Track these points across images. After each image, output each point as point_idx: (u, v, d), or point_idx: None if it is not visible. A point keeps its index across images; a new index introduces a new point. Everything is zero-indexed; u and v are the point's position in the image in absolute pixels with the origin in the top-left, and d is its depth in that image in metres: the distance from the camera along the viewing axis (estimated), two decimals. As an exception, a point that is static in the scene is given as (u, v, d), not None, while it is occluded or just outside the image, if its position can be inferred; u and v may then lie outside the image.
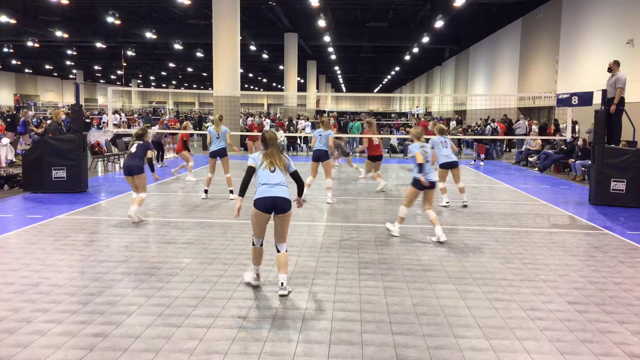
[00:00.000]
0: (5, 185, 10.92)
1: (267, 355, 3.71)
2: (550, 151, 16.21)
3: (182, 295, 4.85)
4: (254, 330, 4.12)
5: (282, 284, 4.86)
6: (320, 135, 9.94)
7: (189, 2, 24.52)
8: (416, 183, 7.00)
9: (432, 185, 7.04)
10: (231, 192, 10.12)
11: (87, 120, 32.18)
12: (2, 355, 3.63)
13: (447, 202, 9.71)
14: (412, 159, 7.16)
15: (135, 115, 41.84)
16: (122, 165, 8.22)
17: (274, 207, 4.86)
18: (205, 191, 10.15)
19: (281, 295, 4.83)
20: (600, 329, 4.25)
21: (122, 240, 6.77)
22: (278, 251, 5.00)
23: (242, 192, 4.95)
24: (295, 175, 5.10)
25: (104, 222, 7.94)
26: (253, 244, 5.05)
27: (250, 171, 4.98)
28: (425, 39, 31.24)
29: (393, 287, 5.17)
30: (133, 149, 8.00)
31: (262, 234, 5.01)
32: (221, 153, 10.16)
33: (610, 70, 10.58)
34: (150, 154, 8.13)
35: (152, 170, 8.13)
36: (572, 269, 5.86)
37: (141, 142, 8.07)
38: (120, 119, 34.82)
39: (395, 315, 4.45)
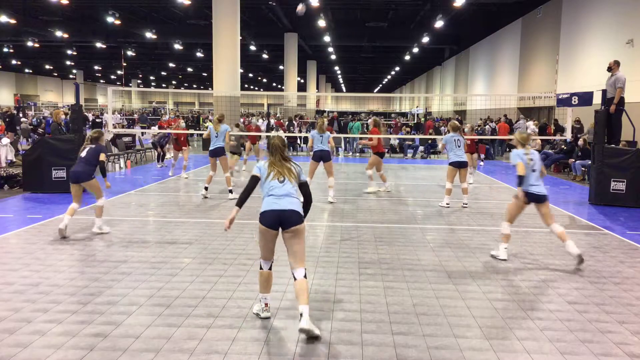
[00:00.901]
0: (5, 185, 10.92)
1: (267, 355, 3.71)
2: (550, 151, 16.21)
3: (182, 295, 4.85)
4: (254, 330, 4.12)
5: (301, 314, 3.96)
6: (321, 136, 9.94)
7: (189, 2, 24.52)
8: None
9: (541, 198, 6.07)
10: (230, 191, 10.11)
11: (98, 120, 32.15)
12: (2, 355, 3.63)
13: (447, 204, 9.67)
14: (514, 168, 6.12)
15: (136, 116, 41.82)
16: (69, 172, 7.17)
17: (281, 221, 4.15)
18: (206, 188, 10.16)
19: (302, 331, 3.92)
20: (600, 329, 4.25)
21: (123, 241, 6.77)
22: (295, 278, 4.15)
23: (241, 203, 4.26)
24: (304, 188, 4.39)
25: (104, 222, 7.93)
26: (260, 268, 4.39)
27: (254, 181, 4.34)
28: (425, 39, 31.24)
29: (393, 287, 5.17)
30: (83, 154, 7.09)
31: (270, 254, 4.33)
32: (219, 152, 10.15)
33: (610, 69, 10.58)
34: (103, 157, 7.16)
35: (104, 175, 7.16)
36: (572, 269, 5.86)
37: (93, 145, 7.16)
38: (120, 118, 34.82)
39: (395, 315, 4.45)
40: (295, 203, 4.22)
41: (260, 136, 15.43)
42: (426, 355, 3.75)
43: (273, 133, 16.63)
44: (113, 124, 29.35)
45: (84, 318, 4.28)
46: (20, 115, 29.13)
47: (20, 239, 6.81)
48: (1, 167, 13.05)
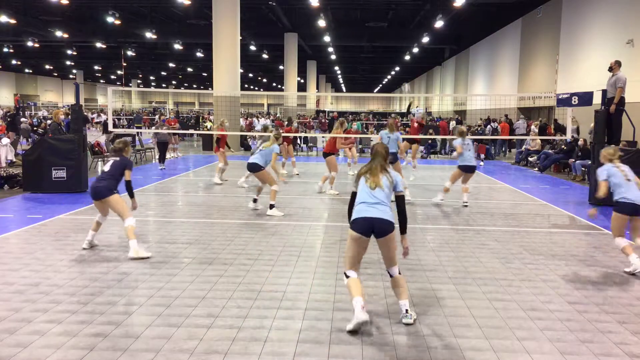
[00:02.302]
0: (5, 185, 10.92)
1: (267, 355, 3.71)
2: (550, 151, 16.21)
3: (182, 295, 4.85)
4: (254, 330, 4.12)
5: (406, 310, 4.24)
6: (388, 137, 10.08)
7: (189, 2, 24.52)
8: (620, 207, 5.87)
9: (637, 210, 5.82)
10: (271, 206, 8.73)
11: (97, 121, 32.09)
12: (2, 355, 3.63)
13: (441, 199, 9.90)
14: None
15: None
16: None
17: (373, 229, 4.19)
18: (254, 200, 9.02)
19: (406, 324, 4.22)
20: (600, 329, 4.25)
21: (122, 241, 6.77)
22: (391, 276, 4.37)
23: (350, 218, 4.36)
24: (399, 201, 4.37)
25: (103, 222, 7.92)
26: (347, 276, 4.27)
27: (353, 195, 4.46)
28: (425, 39, 31.23)
29: (393, 287, 5.16)
30: (107, 167, 6.36)
31: (357, 264, 4.33)
32: (254, 167, 8.72)
33: (611, 69, 10.57)
34: (129, 175, 6.34)
35: (131, 195, 6.40)
36: (572, 269, 5.86)
37: (118, 158, 6.41)
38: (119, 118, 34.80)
39: (395, 315, 4.45)
40: (386, 212, 4.24)
41: (294, 137, 15.79)
42: (426, 355, 3.75)
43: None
44: (103, 123, 29.42)
45: (84, 318, 4.28)
46: (21, 114, 29.12)
47: (20, 239, 6.81)
48: (1, 167, 13.05)
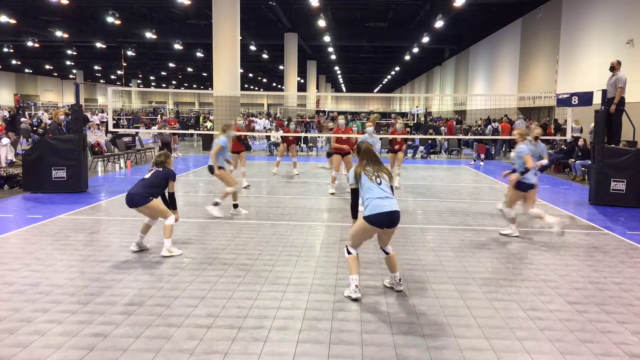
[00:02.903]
0: (5, 185, 10.92)
1: (267, 355, 3.71)
2: (550, 151, 16.20)
3: (182, 295, 4.85)
4: (254, 330, 4.12)
5: (400, 280, 5.00)
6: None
7: (189, 2, 24.52)
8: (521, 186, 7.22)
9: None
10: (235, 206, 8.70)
11: (103, 121, 32.07)
12: (2, 355, 3.63)
13: (512, 234, 7.62)
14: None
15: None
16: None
17: (390, 221, 4.68)
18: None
19: (398, 291, 4.97)
20: (600, 329, 4.25)
21: (122, 240, 6.77)
22: (387, 253, 4.94)
23: (355, 214, 4.99)
24: (354, 192, 4.97)
25: (104, 222, 7.94)
26: (349, 253, 4.82)
27: (356, 192, 4.91)
28: (425, 39, 31.23)
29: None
30: (147, 175, 6.23)
31: (359, 245, 4.91)
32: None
33: (613, 69, 10.56)
34: (173, 186, 6.22)
35: (174, 207, 6.23)
36: (572, 269, 5.87)
37: (160, 169, 6.23)
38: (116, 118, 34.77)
39: (396, 315, 4.45)
40: (396, 204, 4.72)
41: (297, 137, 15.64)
42: (426, 355, 3.75)
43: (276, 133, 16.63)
44: (97, 124, 29.43)
45: (84, 318, 4.28)
46: (20, 114, 29.11)
47: (20, 239, 6.81)
48: (1, 167, 13.05)
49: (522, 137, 7.41)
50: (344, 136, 11.09)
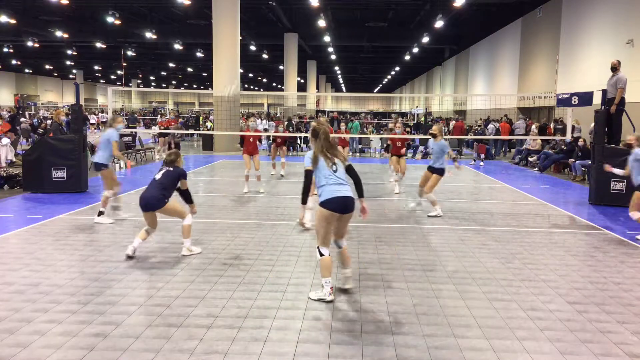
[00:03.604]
0: (5, 185, 10.92)
1: (267, 355, 3.71)
2: (550, 151, 16.21)
3: (182, 295, 4.85)
4: (254, 330, 4.12)
5: (348, 277, 5.00)
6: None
7: (189, 2, 24.52)
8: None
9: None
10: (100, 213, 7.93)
11: (103, 121, 32.04)
12: (2, 355, 3.63)
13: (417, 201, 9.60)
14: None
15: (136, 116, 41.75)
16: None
17: (345, 206, 4.66)
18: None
19: (347, 289, 4.95)
20: (600, 329, 4.25)
21: (122, 240, 6.76)
22: (340, 247, 4.95)
23: (304, 200, 4.94)
24: (352, 171, 4.84)
25: (104, 222, 7.93)
26: (321, 254, 4.70)
27: (309, 174, 4.82)
28: (425, 39, 31.24)
29: (393, 287, 5.17)
30: (158, 176, 6.10)
31: (328, 240, 4.76)
32: None
33: (614, 69, 10.56)
34: (185, 184, 6.22)
35: (190, 202, 6.30)
36: (572, 269, 5.87)
37: (171, 168, 6.15)
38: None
39: (395, 315, 4.45)
40: (350, 190, 4.73)
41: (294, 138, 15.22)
42: (426, 355, 3.75)
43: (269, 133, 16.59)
44: (92, 123, 29.40)
45: (84, 318, 4.28)
46: (20, 114, 29.11)
47: (20, 239, 6.81)
48: (1, 167, 13.04)
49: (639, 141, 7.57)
50: (341, 135, 11.02)
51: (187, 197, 6.26)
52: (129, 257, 5.96)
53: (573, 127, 15.69)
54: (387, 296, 4.89)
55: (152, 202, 5.92)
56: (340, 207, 4.63)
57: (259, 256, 6.16)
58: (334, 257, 5.00)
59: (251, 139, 10.78)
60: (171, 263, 5.84)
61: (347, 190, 4.70)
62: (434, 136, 8.93)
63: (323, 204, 4.64)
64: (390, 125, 9.28)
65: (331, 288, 4.72)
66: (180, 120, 30.32)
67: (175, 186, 6.16)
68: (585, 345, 3.95)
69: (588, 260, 6.26)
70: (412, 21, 31.67)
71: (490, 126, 21.77)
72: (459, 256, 6.32)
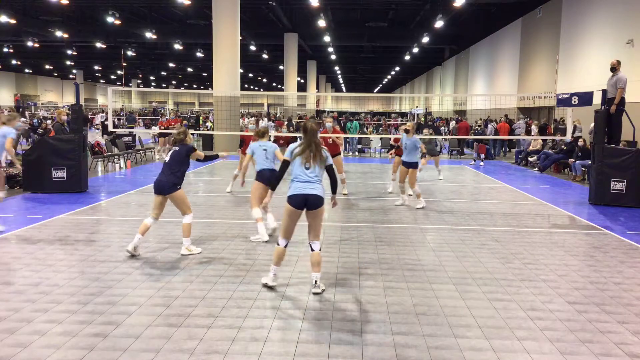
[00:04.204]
0: (6, 185, 10.91)
1: (267, 355, 3.71)
2: (550, 151, 16.21)
3: (182, 295, 4.85)
4: (254, 330, 4.12)
5: (315, 282, 4.95)
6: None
7: (189, 2, 24.52)
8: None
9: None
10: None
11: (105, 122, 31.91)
12: (2, 355, 3.63)
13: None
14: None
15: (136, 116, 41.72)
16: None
17: (306, 204, 4.85)
18: None
19: (315, 293, 4.93)
20: (600, 329, 4.25)
21: (122, 240, 6.77)
22: (312, 250, 5.00)
23: (274, 186, 5.15)
24: (330, 171, 5.02)
25: (104, 222, 7.94)
26: (277, 244, 5.01)
27: (286, 165, 5.04)
28: (425, 39, 31.25)
29: (393, 287, 5.17)
30: (167, 158, 6.16)
31: (289, 234, 4.98)
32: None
33: (614, 69, 10.56)
34: (198, 154, 6.22)
35: (212, 158, 6.55)
36: (572, 269, 5.87)
37: (177, 148, 6.19)
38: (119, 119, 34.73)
39: (395, 315, 4.45)
40: (318, 188, 4.88)
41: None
42: (426, 355, 3.75)
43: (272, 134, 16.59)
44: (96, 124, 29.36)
45: (84, 318, 4.28)
46: (20, 114, 29.07)
47: (20, 239, 6.81)
48: (1, 167, 13.02)
49: None
50: (334, 136, 10.83)
51: (210, 158, 6.46)
52: (131, 256, 6.00)
53: (574, 127, 15.71)
54: (387, 296, 4.89)
55: (163, 186, 6.02)
56: (300, 203, 4.83)
57: (259, 256, 6.16)
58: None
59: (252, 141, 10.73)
60: (171, 263, 5.84)
61: (314, 188, 4.84)
62: (407, 132, 9.40)
63: (287, 199, 4.89)
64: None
65: (274, 274, 5.02)
66: (185, 122, 30.28)
67: (186, 164, 6.17)
68: (585, 345, 3.95)
69: (588, 260, 6.26)
70: (412, 21, 31.68)
71: (489, 126, 21.78)
72: (459, 256, 6.32)
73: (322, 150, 4.96)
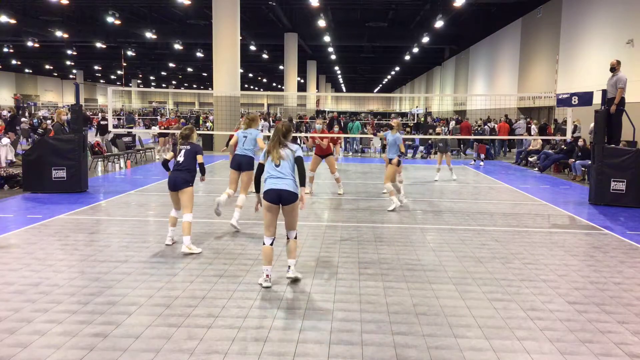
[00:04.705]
0: (5, 185, 10.92)
1: (267, 355, 3.71)
2: (550, 151, 16.21)
3: (182, 295, 4.85)
4: (254, 330, 4.12)
5: (289, 267, 5.20)
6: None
7: (189, 2, 24.52)
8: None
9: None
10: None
11: (103, 122, 31.83)
12: (2, 355, 3.63)
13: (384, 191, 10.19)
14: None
15: (135, 116, 41.70)
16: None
17: (280, 198, 5.06)
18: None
19: (288, 278, 5.18)
20: (600, 329, 4.25)
21: (122, 240, 6.77)
22: (288, 239, 5.25)
23: (258, 188, 5.32)
24: (298, 162, 5.20)
25: (104, 222, 7.95)
26: (263, 243, 5.16)
27: (261, 167, 5.30)
28: (425, 39, 31.25)
29: (393, 287, 5.17)
30: (181, 158, 6.51)
31: (272, 230, 5.15)
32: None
33: (613, 69, 10.56)
34: (201, 159, 6.57)
35: (203, 173, 6.68)
36: (572, 269, 5.87)
37: (188, 146, 6.56)
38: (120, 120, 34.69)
39: (395, 315, 4.45)
40: (290, 184, 5.10)
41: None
42: (426, 355, 3.75)
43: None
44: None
45: (84, 318, 4.28)
46: (20, 114, 29.12)
47: (20, 239, 6.81)
48: (1, 167, 13.04)
49: None
50: (323, 136, 10.77)
51: (202, 169, 6.71)
52: (169, 245, 6.55)
53: (575, 127, 15.71)
54: (387, 296, 4.89)
55: (178, 182, 6.39)
56: (274, 198, 5.06)
57: (259, 256, 6.16)
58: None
59: None
60: (171, 263, 5.84)
61: (285, 183, 5.08)
62: (391, 128, 9.64)
63: (263, 195, 5.12)
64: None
65: (267, 276, 5.08)
66: (182, 120, 30.30)
67: (196, 162, 6.59)
68: (585, 345, 3.95)
69: (588, 260, 6.26)
70: (412, 21, 31.68)
71: (486, 127, 21.76)
72: (459, 256, 6.32)
73: (286, 147, 5.21)
